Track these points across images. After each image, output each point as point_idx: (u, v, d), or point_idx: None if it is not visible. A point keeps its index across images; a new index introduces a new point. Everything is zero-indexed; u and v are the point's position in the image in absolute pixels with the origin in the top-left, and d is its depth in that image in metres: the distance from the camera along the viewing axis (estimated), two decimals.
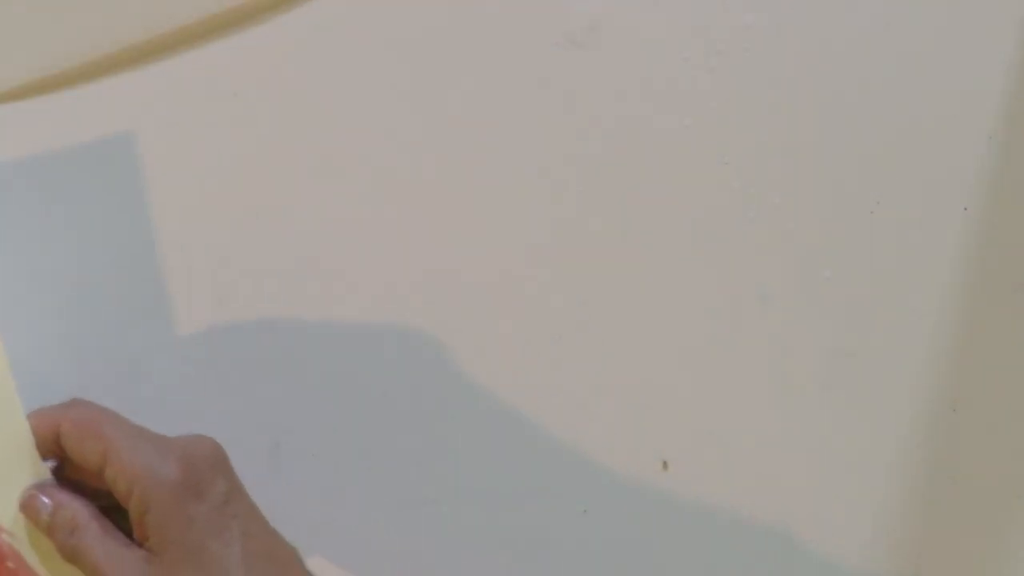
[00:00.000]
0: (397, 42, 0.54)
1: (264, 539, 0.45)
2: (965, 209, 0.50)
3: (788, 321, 0.52)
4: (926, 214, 0.50)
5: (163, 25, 0.53)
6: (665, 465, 0.53)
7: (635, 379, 0.53)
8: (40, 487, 0.46)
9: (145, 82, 0.54)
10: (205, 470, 0.45)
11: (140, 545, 0.44)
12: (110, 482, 0.44)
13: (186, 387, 0.55)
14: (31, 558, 0.46)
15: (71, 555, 0.44)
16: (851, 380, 0.51)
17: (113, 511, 0.45)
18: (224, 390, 0.55)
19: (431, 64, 0.53)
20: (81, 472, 0.46)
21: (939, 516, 0.50)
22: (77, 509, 0.45)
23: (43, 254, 0.56)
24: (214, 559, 0.43)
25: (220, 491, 0.45)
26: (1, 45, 0.53)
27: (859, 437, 0.51)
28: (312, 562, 0.53)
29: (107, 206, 0.56)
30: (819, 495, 0.51)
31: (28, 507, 0.46)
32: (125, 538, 0.44)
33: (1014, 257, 0.50)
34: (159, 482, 0.43)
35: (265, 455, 0.55)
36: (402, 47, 0.54)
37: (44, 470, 0.47)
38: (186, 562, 0.42)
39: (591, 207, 0.53)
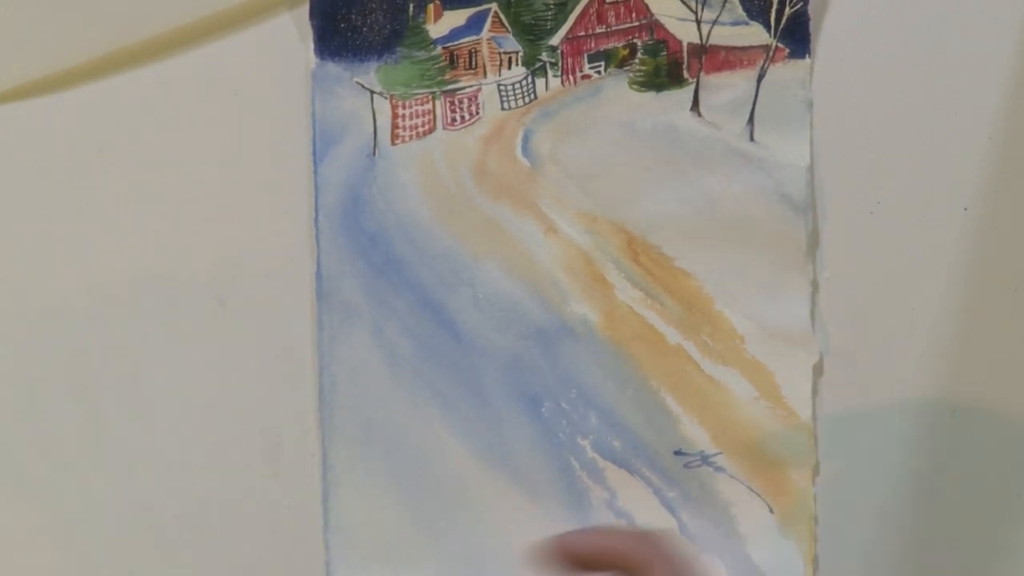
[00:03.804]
0: None
1: None
2: (965, 209, 0.50)
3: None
4: (926, 214, 0.50)
5: (163, 25, 0.53)
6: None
7: None
8: None
9: (145, 82, 0.54)
10: None
11: None
12: None
13: (186, 387, 0.55)
14: None
15: None
16: (851, 380, 0.51)
17: None
18: (224, 390, 0.55)
19: None
20: None
21: (939, 516, 0.50)
22: None
23: (43, 253, 0.56)
24: None
25: None
26: (1, 45, 0.53)
27: (859, 437, 0.51)
28: (312, 561, 0.53)
29: (107, 206, 0.56)
30: (819, 495, 0.51)
31: None
32: None
33: (1014, 257, 0.50)
34: None
35: (265, 455, 0.55)
36: None
37: None
38: None
39: None
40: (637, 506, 0.53)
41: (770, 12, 0.51)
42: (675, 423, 0.53)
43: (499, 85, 0.53)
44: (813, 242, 0.51)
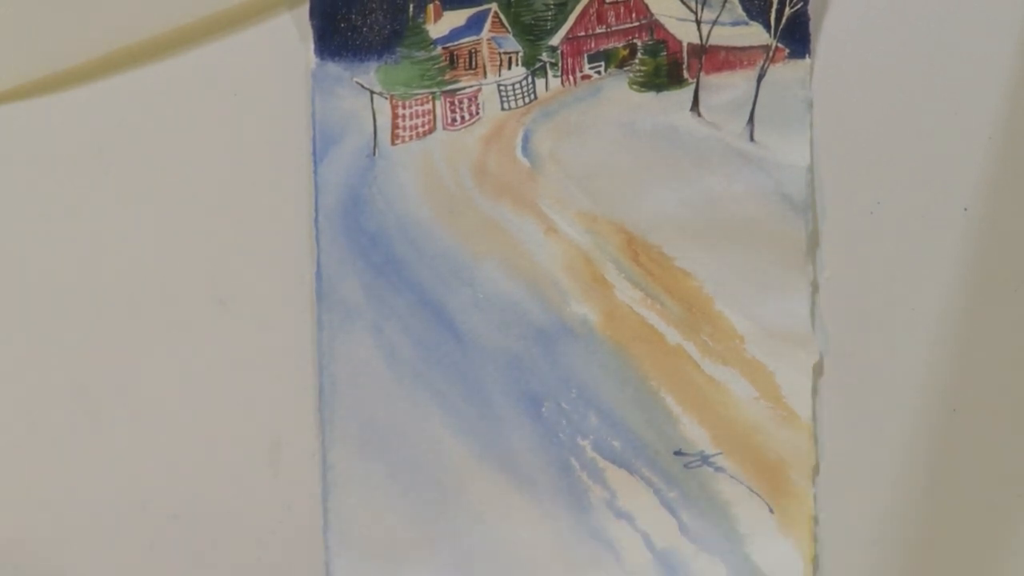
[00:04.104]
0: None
1: None
2: (965, 209, 0.50)
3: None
4: (926, 214, 0.50)
5: (163, 25, 0.53)
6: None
7: None
8: None
9: (145, 82, 0.54)
10: None
11: None
12: None
13: (186, 387, 0.55)
14: None
15: None
16: (851, 380, 0.51)
17: None
18: (224, 390, 0.55)
19: None
20: None
21: (939, 516, 0.50)
22: None
23: (44, 253, 0.56)
24: None
25: None
26: (1, 45, 0.53)
27: (859, 437, 0.51)
28: (312, 561, 0.53)
29: (107, 206, 0.56)
30: (819, 495, 0.51)
31: None
32: None
33: (1014, 257, 0.50)
34: None
35: (265, 455, 0.55)
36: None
37: None
38: None
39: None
40: (637, 506, 0.53)
41: (770, 12, 0.52)
42: (675, 423, 0.53)
43: (499, 85, 0.53)
44: (813, 242, 0.51)
